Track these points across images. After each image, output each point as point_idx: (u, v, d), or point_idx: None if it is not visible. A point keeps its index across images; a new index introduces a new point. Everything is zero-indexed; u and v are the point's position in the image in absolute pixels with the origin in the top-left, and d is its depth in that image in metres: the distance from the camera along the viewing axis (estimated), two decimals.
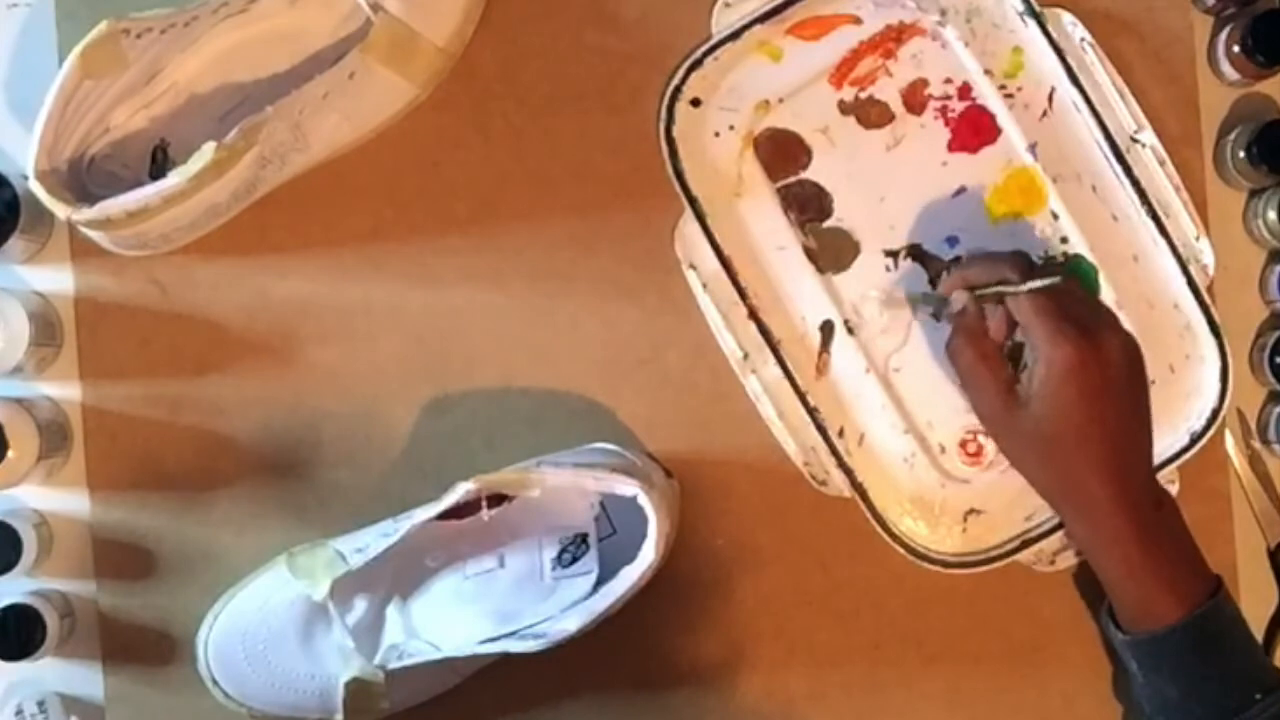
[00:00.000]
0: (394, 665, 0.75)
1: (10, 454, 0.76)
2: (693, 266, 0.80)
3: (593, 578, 0.77)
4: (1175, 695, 0.71)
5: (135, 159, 0.79)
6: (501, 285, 0.82)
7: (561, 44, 0.82)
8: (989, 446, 0.80)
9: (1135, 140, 0.80)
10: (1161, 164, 0.80)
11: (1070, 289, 0.72)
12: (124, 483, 0.81)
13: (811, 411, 0.79)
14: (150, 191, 0.73)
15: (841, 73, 0.81)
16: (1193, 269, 0.80)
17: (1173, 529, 0.71)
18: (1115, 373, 0.70)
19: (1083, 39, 0.80)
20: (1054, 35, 0.80)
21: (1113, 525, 0.70)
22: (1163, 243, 0.79)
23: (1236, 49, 0.80)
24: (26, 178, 0.74)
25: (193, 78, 0.79)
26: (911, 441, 0.80)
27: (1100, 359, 0.69)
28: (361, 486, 0.81)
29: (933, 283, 0.81)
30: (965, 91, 0.81)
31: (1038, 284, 0.71)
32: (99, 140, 0.78)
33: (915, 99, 0.81)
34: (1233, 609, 0.72)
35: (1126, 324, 0.79)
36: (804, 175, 0.81)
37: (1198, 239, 0.80)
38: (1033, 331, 0.70)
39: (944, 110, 0.81)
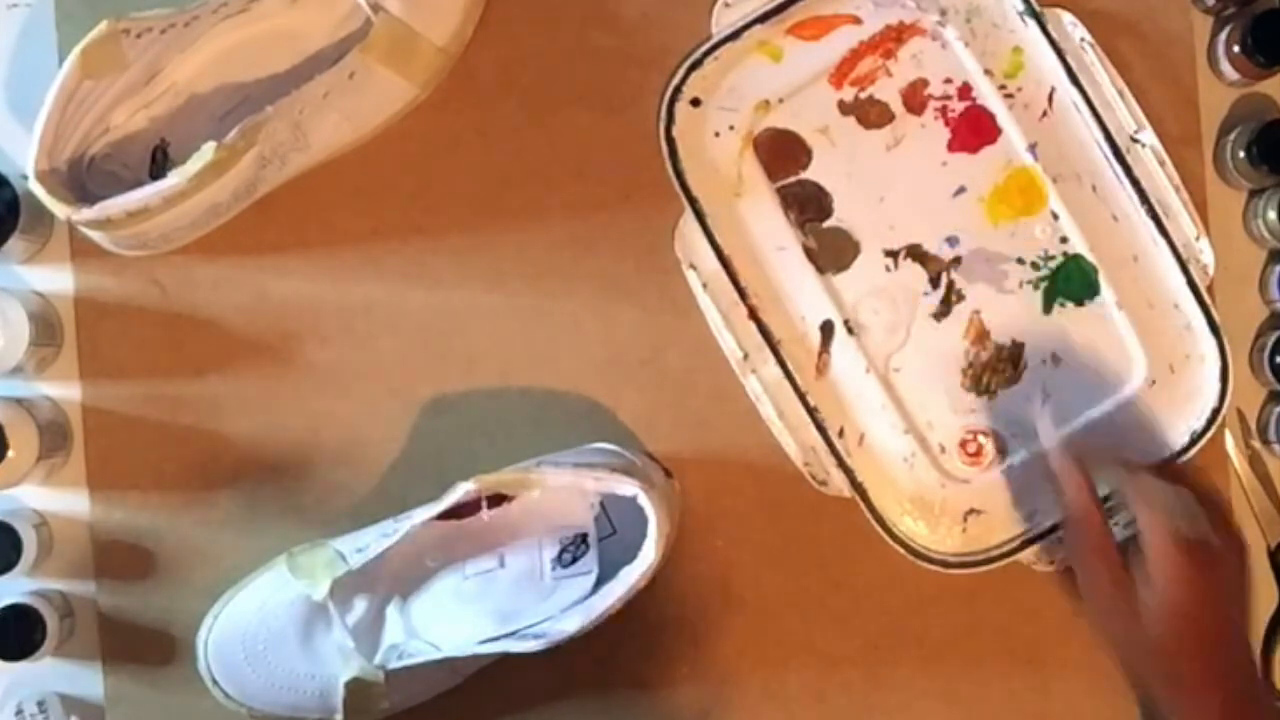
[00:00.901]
0: (394, 665, 0.75)
1: (10, 454, 0.76)
2: (693, 266, 0.80)
3: (593, 578, 0.77)
4: None
5: (135, 159, 0.79)
6: (501, 285, 0.82)
7: (561, 44, 0.82)
8: (989, 446, 0.80)
9: (1135, 140, 0.80)
10: (1161, 164, 0.80)
11: (1181, 503, 0.72)
12: (124, 483, 0.81)
13: (811, 411, 0.79)
14: (150, 191, 0.73)
15: (841, 73, 0.81)
16: (1193, 269, 0.80)
17: (1264, 714, 0.72)
18: (1231, 597, 0.72)
19: (1083, 39, 0.80)
20: (1054, 35, 0.80)
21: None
22: (1163, 243, 0.79)
23: (1236, 49, 0.80)
24: (26, 178, 0.74)
25: (193, 78, 0.79)
26: (911, 441, 0.80)
27: (1214, 586, 0.70)
28: (361, 486, 0.81)
29: (933, 282, 0.81)
30: (965, 91, 0.81)
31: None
32: (99, 140, 0.78)
33: (915, 99, 0.81)
34: None
35: (1127, 326, 0.80)
36: (804, 175, 0.81)
37: (1198, 239, 0.80)
38: (1149, 560, 0.71)
39: (944, 110, 0.81)
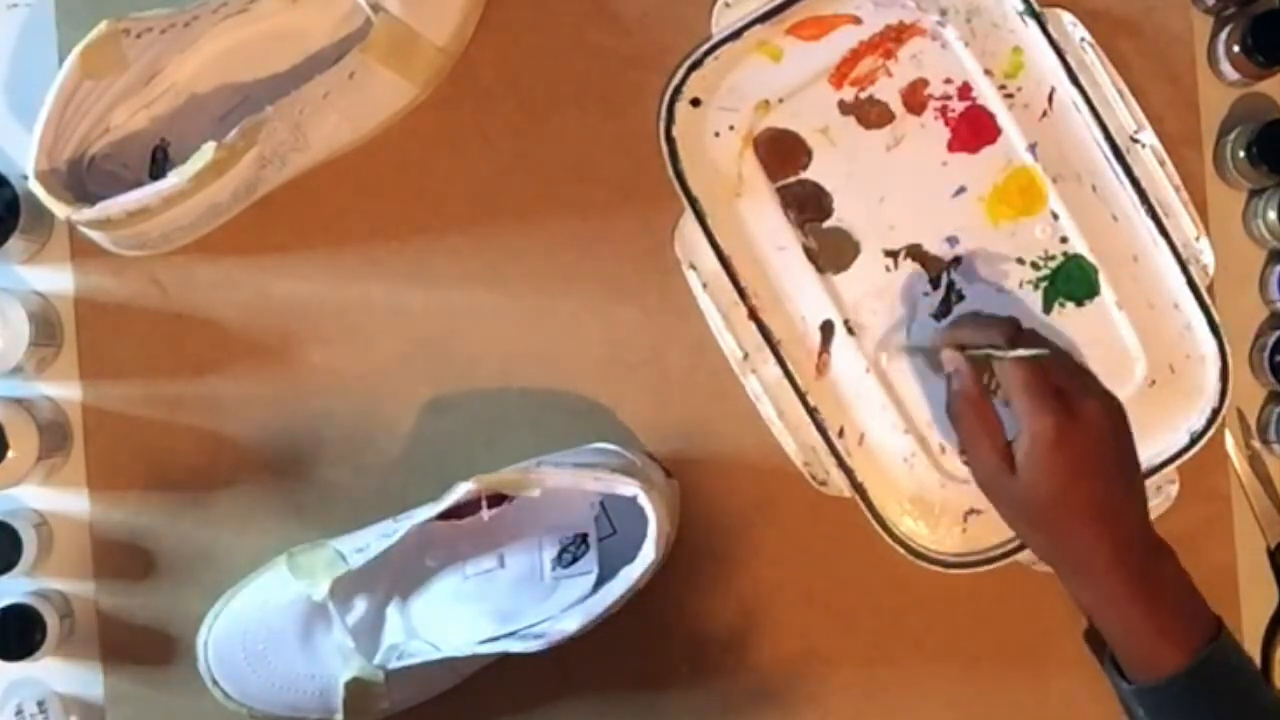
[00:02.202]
0: (394, 665, 0.75)
1: (10, 454, 0.76)
2: (693, 266, 0.80)
3: (593, 578, 0.77)
4: None
5: (135, 159, 0.79)
6: (501, 285, 0.82)
7: (561, 44, 0.82)
8: None
9: (1135, 140, 0.80)
10: (1161, 164, 0.80)
11: (1054, 357, 0.73)
12: (124, 483, 0.81)
13: (811, 411, 0.79)
14: (150, 191, 0.73)
15: (841, 73, 0.81)
16: (1193, 269, 0.80)
17: (1171, 578, 0.72)
18: (1098, 436, 0.71)
19: (1083, 39, 0.80)
20: (1054, 35, 0.80)
21: (1110, 583, 0.71)
22: (1163, 243, 0.80)
23: (1236, 49, 0.80)
24: (26, 178, 0.74)
25: (193, 78, 0.79)
26: (911, 441, 0.81)
27: (1081, 426, 0.70)
28: (361, 486, 0.81)
29: (934, 282, 0.81)
30: (965, 91, 0.81)
31: (1023, 353, 0.71)
32: (99, 140, 0.78)
33: (915, 99, 0.81)
34: (1236, 652, 0.72)
35: (1127, 326, 0.80)
36: (804, 175, 0.81)
37: (1198, 239, 0.80)
38: (1016, 403, 0.71)
39: (944, 110, 0.81)
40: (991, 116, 0.81)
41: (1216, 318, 0.79)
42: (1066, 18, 0.80)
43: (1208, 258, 0.80)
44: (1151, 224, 0.80)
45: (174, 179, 0.73)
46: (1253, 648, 0.82)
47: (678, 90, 0.80)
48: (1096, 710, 0.81)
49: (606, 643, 0.78)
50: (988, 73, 0.81)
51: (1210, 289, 0.80)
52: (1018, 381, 0.71)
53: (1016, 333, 0.74)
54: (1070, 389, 0.72)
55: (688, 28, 0.81)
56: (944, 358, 0.75)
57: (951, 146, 0.81)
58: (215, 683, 0.77)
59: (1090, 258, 0.81)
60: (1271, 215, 0.80)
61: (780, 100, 0.81)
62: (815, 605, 0.82)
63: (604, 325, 0.82)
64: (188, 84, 0.79)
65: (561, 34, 0.82)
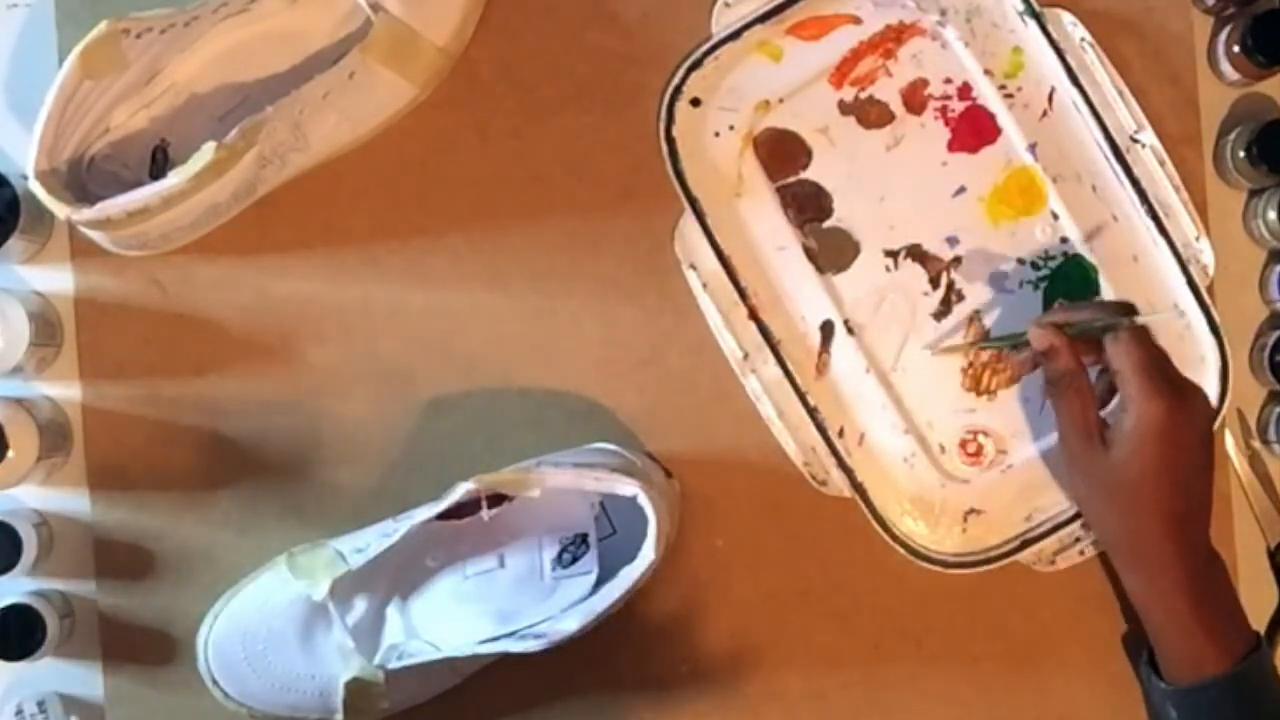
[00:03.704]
0: (394, 665, 0.75)
1: (10, 454, 0.76)
2: (693, 266, 0.80)
3: (593, 578, 0.77)
4: None
5: (135, 159, 0.79)
6: (501, 285, 0.82)
7: (561, 44, 0.82)
8: (989, 446, 0.80)
9: (1135, 140, 0.80)
10: (1161, 164, 0.80)
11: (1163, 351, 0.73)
12: (124, 483, 0.81)
13: (811, 411, 0.79)
14: (150, 191, 0.73)
15: (841, 73, 0.81)
16: (1193, 269, 0.80)
17: (1222, 585, 0.74)
18: (1199, 436, 0.72)
19: (1083, 39, 0.80)
20: (1054, 35, 0.80)
21: (1170, 578, 0.72)
22: (1163, 243, 0.80)
23: (1236, 49, 0.80)
24: (26, 178, 0.74)
25: (193, 78, 0.79)
26: (911, 441, 0.81)
27: (1189, 419, 0.71)
28: (361, 486, 0.81)
29: (934, 282, 0.81)
30: (965, 91, 0.81)
31: (1154, 317, 0.72)
32: (99, 140, 0.78)
33: (915, 99, 0.81)
34: (1272, 664, 0.74)
35: None
36: (804, 175, 0.81)
37: (1198, 239, 0.80)
38: (1129, 382, 0.71)
39: (944, 110, 0.81)
40: (991, 116, 0.81)
41: (1216, 318, 0.79)
42: (1066, 18, 0.80)
43: (1208, 258, 0.80)
44: (1151, 224, 0.80)
45: (174, 179, 0.73)
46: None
47: (678, 90, 0.80)
48: (1096, 710, 0.82)
49: (606, 643, 0.78)
50: (988, 73, 0.81)
51: (1210, 289, 0.80)
52: (1134, 361, 0.71)
53: (1133, 311, 0.74)
54: (1180, 380, 0.72)
55: (688, 28, 0.81)
56: (1033, 335, 0.74)
57: (951, 146, 0.81)
58: (215, 683, 0.77)
59: (1090, 258, 0.81)
60: (1271, 215, 0.80)
61: (780, 100, 0.81)
62: (815, 605, 0.82)
63: (604, 325, 0.82)
64: (188, 84, 0.79)
65: (561, 34, 0.82)
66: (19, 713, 0.79)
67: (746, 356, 0.80)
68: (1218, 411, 0.74)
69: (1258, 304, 0.83)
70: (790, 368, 0.79)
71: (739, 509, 0.81)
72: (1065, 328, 0.73)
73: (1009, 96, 0.81)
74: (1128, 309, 0.74)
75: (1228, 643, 0.72)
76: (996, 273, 0.81)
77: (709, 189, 0.80)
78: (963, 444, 0.81)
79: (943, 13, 0.81)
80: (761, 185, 0.81)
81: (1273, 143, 0.79)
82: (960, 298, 0.81)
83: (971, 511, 0.80)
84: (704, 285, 0.80)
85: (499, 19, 0.82)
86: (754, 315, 0.79)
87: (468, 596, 0.77)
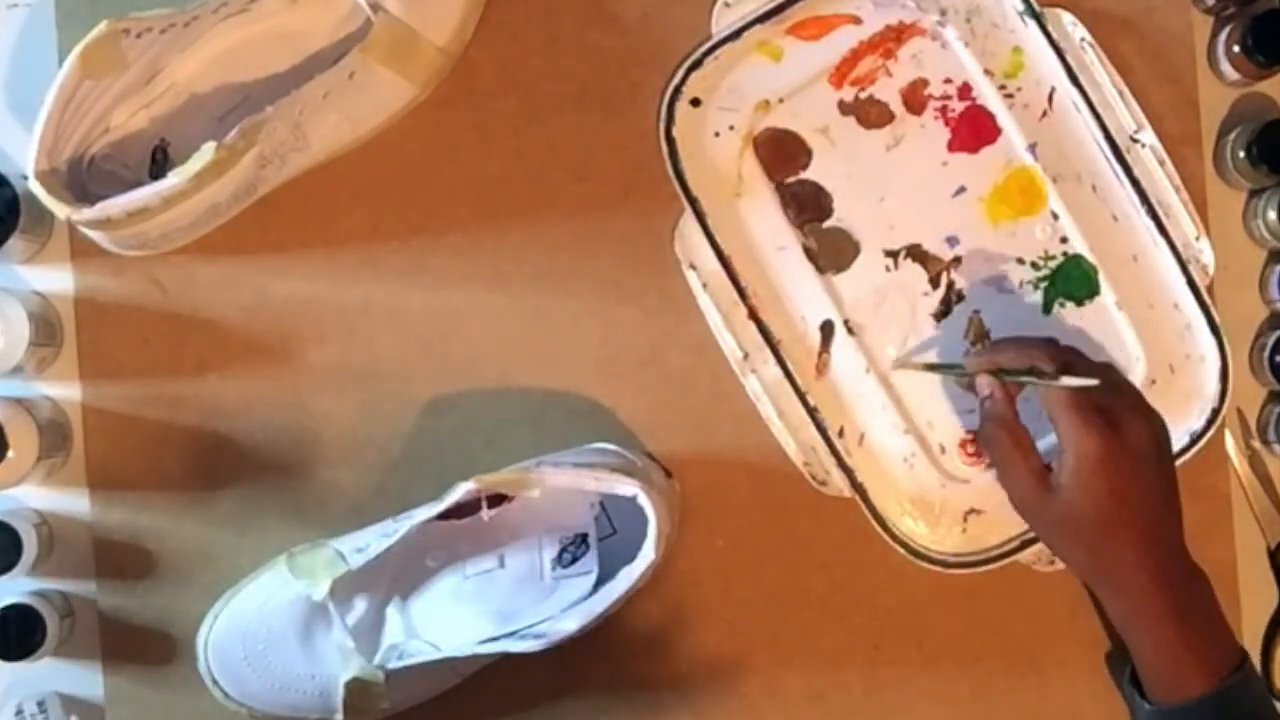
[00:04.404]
0: (394, 665, 0.75)
1: (10, 454, 0.76)
2: (693, 266, 0.80)
3: (593, 578, 0.77)
4: None
5: (135, 159, 0.79)
6: (501, 285, 0.82)
7: (561, 44, 0.82)
8: None
9: (1135, 140, 0.80)
10: (1161, 164, 0.80)
11: (1098, 372, 0.72)
12: (124, 483, 0.81)
13: (811, 411, 0.79)
14: (150, 191, 0.73)
15: (841, 73, 0.81)
16: (1193, 269, 0.80)
17: (1203, 602, 0.73)
18: (1143, 458, 0.71)
19: (1083, 39, 0.80)
20: (1054, 35, 0.80)
21: (1146, 602, 0.71)
22: (1163, 243, 0.80)
23: (1236, 49, 0.80)
24: (26, 178, 0.74)
25: (193, 78, 0.79)
26: (911, 441, 0.81)
27: (1127, 447, 0.70)
28: (361, 486, 0.81)
29: (934, 282, 0.81)
30: (965, 91, 0.81)
31: (1073, 382, 0.70)
32: (99, 140, 0.78)
33: (915, 99, 0.81)
34: (1258, 683, 0.73)
35: (1127, 326, 0.80)
36: (804, 175, 0.81)
37: (1198, 239, 0.80)
38: (1060, 422, 0.71)
39: (944, 110, 0.81)
40: (991, 116, 0.81)
41: (1216, 318, 0.79)
42: (1066, 18, 0.80)
43: (1208, 258, 0.80)
44: (1151, 224, 0.80)
45: (174, 179, 0.73)
46: (1253, 647, 0.82)
47: (678, 90, 0.80)
48: (1096, 710, 0.82)
49: (606, 643, 0.78)
50: (988, 73, 0.81)
51: (1210, 289, 0.80)
52: (1061, 402, 0.71)
53: (1057, 353, 0.73)
54: (1114, 406, 0.71)
55: (688, 28, 0.81)
56: (978, 383, 0.74)
57: (951, 146, 0.81)
58: (215, 683, 0.77)
59: (1090, 258, 0.81)
60: (1271, 215, 0.80)
61: (780, 100, 0.81)
62: (815, 605, 0.82)
63: (604, 325, 0.82)
64: (188, 84, 0.79)
65: (561, 34, 0.82)
66: (19, 713, 0.79)
67: (746, 356, 0.80)
68: (1162, 425, 0.73)
69: (1258, 304, 0.83)
70: (790, 368, 0.79)
71: (739, 509, 0.81)
72: (999, 373, 0.73)
73: (1009, 96, 0.81)
74: (1051, 350, 0.73)
75: (1210, 661, 0.71)
76: (996, 273, 0.81)
77: (709, 189, 0.80)
78: (963, 444, 0.81)
79: (943, 13, 0.81)
80: (761, 185, 0.81)
81: (1273, 143, 0.79)
82: (960, 298, 0.81)
83: (971, 511, 0.80)
84: (704, 285, 0.80)
85: (499, 19, 0.82)
86: (754, 315, 0.79)
87: (468, 596, 0.77)
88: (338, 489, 0.81)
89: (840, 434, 0.80)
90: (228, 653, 0.77)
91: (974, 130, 0.81)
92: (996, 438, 0.73)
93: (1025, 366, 0.73)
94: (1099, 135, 0.80)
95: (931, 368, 0.80)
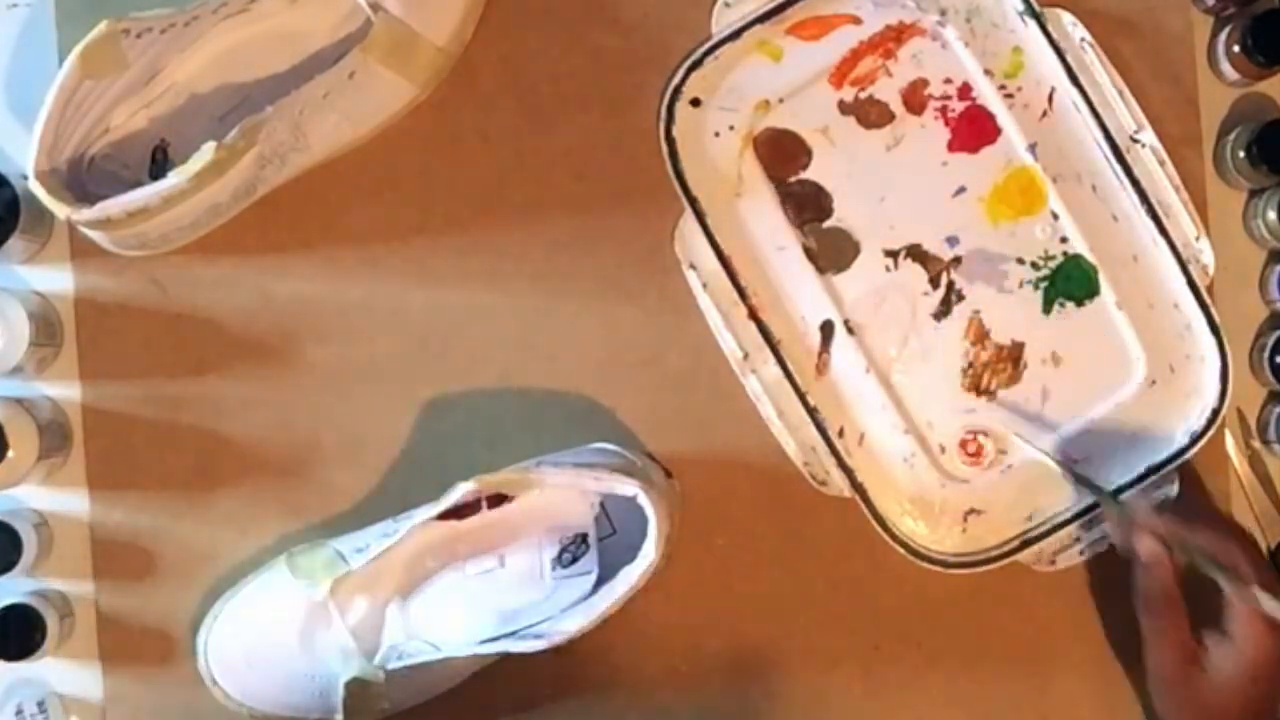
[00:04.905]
0: (394, 665, 0.75)
1: (10, 454, 0.76)
2: (693, 266, 0.80)
3: (593, 578, 0.77)
4: None
5: (135, 159, 0.79)
6: (501, 285, 0.82)
7: (561, 44, 0.82)
8: (989, 446, 0.80)
9: (1135, 140, 0.80)
10: (1161, 164, 0.80)
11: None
12: (124, 483, 0.81)
13: (811, 411, 0.79)
14: (150, 191, 0.73)
15: (841, 73, 0.81)
16: (1193, 269, 0.79)
17: None
18: None
19: (1083, 39, 0.80)
20: (1054, 35, 0.80)
21: None
22: (1163, 243, 0.79)
23: (1236, 49, 0.80)
24: (26, 178, 0.74)
25: (193, 78, 0.79)
26: (911, 441, 0.81)
27: None
28: (361, 486, 0.81)
29: (934, 282, 0.81)
30: (965, 91, 0.81)
31: (1270, 607, 0.71)
32: (99, 140, 0.78)
33: (915, 99, 0.81)
34: None
35: (1127, 326, 0.80)
36: (804, 175, 0.81)
37: (1198, 239, 0.80)
38: (1242, 622, 0.72)
39: (944, 110, 0.81)
40: (991, 116, 0.81)
41: (1216, 318, 0.79)
42: (1066, 18, 0.80)
43: (1208, 258, 0.80)
44: (1151, 224, 0.80)
45: (174, 179, 0.73)
46: None
47: (678, 90, 0.80)
48: (1096, 710, 0.82)
49: (606, 643, 0.78)
50: (988, 73, 0.81)
51: (1210, 289, 0.80)
52: (1254, 611, 0.72)
53: (1257, 556, 0.74)
54: None
55: (688, 28, 0.81)
56: (1142, 547, 0.75)
57: (951, 146, 0.81)
58: (215, 683, 0.77)
59: (1090, 258, 0.81)
60: (1271, 215, 0.80)
61: (780, 100, 0.81)
62: (815, 605, 0.82)
63: (604, 325, 0.82)
64: (188, 84, 0.79)
65: (561, 34, 0.82)
66: (19, 713, 0.79)
67: (746, 356, 0.80)
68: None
69: (1258, 304, 0.83)
70: (790, 368, 0.79)
71: (739, 509, 0.81)
72: (1176, 550, 0.74)
73: (1009, 96, 0.81)
74: (1253, 554, 0.73)
75: None
76: (996, 273, 0.81)
77: (709, 189, 0.80)
78: (963, 444, 0.81)
79: (943, 13, 0.81)
80: (761, 185, 0.81)
81: (1273, 143, 0.79)
82: (960, 298, 0.81)
83: (971, 511, 0.80)
84: (704, 285, 0.80)
85: (499, 19, 0.82)
86: (754, 315, 0.79)
87: (468, 596, 0.77)
88: (338, 489, 0.81)
89: (840, 434, 0.80)
90: (228, 653, 0.77)
91: (974, 130, 0.81)
92: (1155, 610, 0.74)
93: (1224, 562, 0.73)
94: (1099, 135, 0.80)
95: (1084, 483, 0.78)
